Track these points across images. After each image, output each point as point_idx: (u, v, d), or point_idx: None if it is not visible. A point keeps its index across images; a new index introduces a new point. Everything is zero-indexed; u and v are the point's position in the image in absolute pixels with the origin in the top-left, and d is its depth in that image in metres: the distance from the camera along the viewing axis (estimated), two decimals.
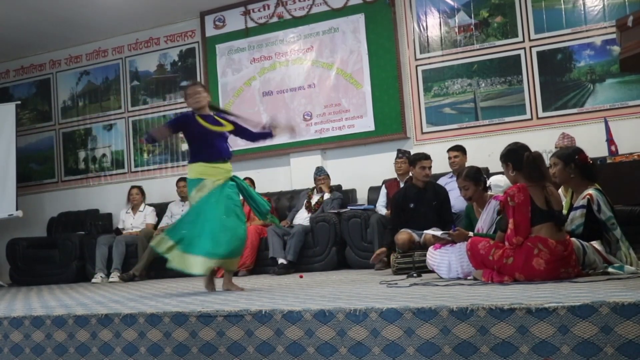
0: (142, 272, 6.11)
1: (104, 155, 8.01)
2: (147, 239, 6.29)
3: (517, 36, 6.15)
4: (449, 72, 6.40)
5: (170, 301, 3.05)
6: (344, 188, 6.48)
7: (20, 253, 7.01)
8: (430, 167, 4.98)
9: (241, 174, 6.49)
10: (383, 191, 5.85)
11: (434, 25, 6.50)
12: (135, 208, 6.94)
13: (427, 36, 6.51)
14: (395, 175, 5.87)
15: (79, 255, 6.73)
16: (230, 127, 3.84)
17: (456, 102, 6.36)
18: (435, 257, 3.77)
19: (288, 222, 6.18)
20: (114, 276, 6.13)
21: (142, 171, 7.74)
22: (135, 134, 7.83)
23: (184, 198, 6.76)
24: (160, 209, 6.97)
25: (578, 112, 5.89)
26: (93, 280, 6.23)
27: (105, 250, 6.39)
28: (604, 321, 1.83)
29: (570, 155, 3.35)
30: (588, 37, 5.90)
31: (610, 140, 4.87)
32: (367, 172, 6.52)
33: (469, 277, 3.45)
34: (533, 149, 3.23)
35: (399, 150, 5.86)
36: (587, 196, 3.20)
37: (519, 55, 6.14)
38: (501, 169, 3.49)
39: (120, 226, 6.92)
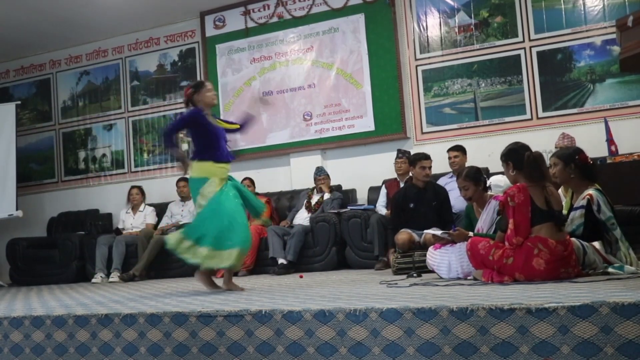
0: (142, 272, 6.11)
1: (104, 155, 8.01)
2: (147, 239, 6.29)
3: (517, 36, 6.15)
4: (449, 72, 6.40)
5: (170, 301, 3.05)
6: (344, 188, 6.48)
7: (20, 253, 7.01)
8: (430, 167, 4.99)
9: (241, 174, 6.53)
10: (383, 191, 5.85)
11: (434, 25, 6.50)
12: (135, 208, 6.94)
13: (427, 36, 6.51)
14: (395, 175, 5.87)
15: (79, 255, 6.73)
16: (237, 126, 3.89)
17: (456, 102, 6.36)
18: (435, 257, 3.77)
19: (288, 222, 6.18)
20: (114, 276, 6.12)
21: (142, 171, 7.74)
22: (135, 134, 7.83)
23: (184, 198, 6.76)
24: (160, 209, 6.97)
25: (578, 112, 5.89)
26: (93, 280, 6.23)
27: (105, 250, 6.39)
28: (604, 321, 1.83)
29: (570, 155, 3.35)
30: (588, 37, 5.89)
31: (610, 140, 4.87)
32: (367, 172, 6.52)
33: (469, 277, 3.45)
34: (533, 149, 3.23)
35: (399, 150, 5.86)
36: (587, 196, 3.20)
37: (519, 55, 6.14)
38: (501, 169, 3.49)
39: (120, 226, 6.92)
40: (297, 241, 5.62)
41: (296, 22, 6.99)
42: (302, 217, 6.08)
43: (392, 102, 6.51)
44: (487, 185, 4.07)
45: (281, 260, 5.58)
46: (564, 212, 3.30)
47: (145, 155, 7.77)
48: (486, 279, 3.12)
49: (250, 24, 7.19)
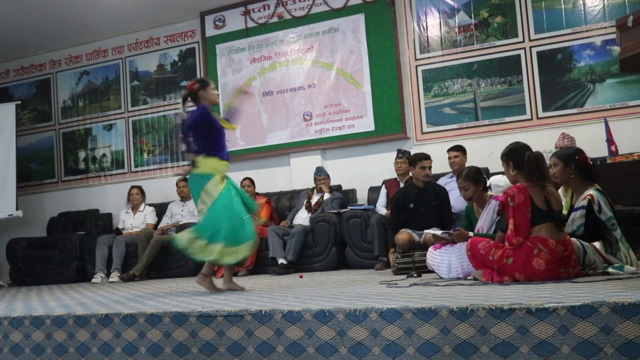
0: (142, 272, 6.11)
1: (104, 155, 8.01)
2: (147, 239, 6.29)
3: (517, 36, 6.15)
4: (449, 72, 6.40)
5: (170, 301, 3.05)
6: (344, 188, 6.48)
7: (20, 253, 7.01)
8: (430, 167, 4.99)
9: (241, 174, 6.53)
10: (383, 191, 5.85)
11: (434, 25, 6.50)
12: (135, 208, 6.94)
13: (427, 36, 6.51)
14: (395, 175, 5.87)
15: (79, 255, 6.72)
16: (236, 127, 3.95)
17: (456, 102, 6.36)
18: (435, 257, 3.77)
19: (288, 222, 6.18)
20: (114, 276, 6.12)
21: (142, 171, 7.74)
22: (135, 134, 7.83)
23: (184, 198, 6.76)
24: (160, 209, 6.97)
25: (578, 112, 5.89)
26: (93, 280, 6.23)
27: (105, 250, 6.39)
28: (604, 321, 1.83)
29: (570, 155, 3.35)
30: (588, 37, 5.90)
31: (610, 140, 4.87)
32: (367, 172, 6.52)
33: (469, 277, 3.45)
34: (533, 149, 3.23)
35: (399, 150, 5.86)
36: (588, 197, 3.20)
37: (519, 55, 6.14)
38: (501, 169, 3.49)
39: (120, 226, 6.92)
40: (297, 241, 5.62)
41: (296, 22, 6.99)
42: (302, 217, 6.08)
43: (392, 102, 6.51)
44: (487, 185, 4.07)
45: (281, 260, 5.58)
46: (564, 212, 3.30)
47: (145, 155, 7.77)
48: (486, 279, 3.12)
49: (250, 24, 7.19)
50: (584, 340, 1.84)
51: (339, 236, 5.67)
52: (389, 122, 6.50)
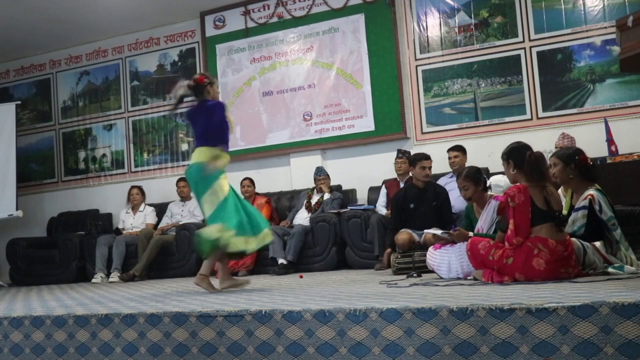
0: (142, 272, 6.11)
1: (104, 155, 8.01)
2: (147, 239, 6.29)
3: (517, 36, 6.15)
4: (449, 72, 6.40)
5: (170, 301, 3.05)
6: (344, 188, 6.48)
7: (20, 253, 7.01)
8: (430, 167, 4.99)
9: (241, 174, 6.53)
10: (383, 191, 5.85)
11: (434, 25, 6.50)
12: (135, 208, 6.94)
13: (427, 36, 6.51)
14: (395, 175, 5.87)
15: (79, 255, 6.72)
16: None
17: (456, 102, 6.36)
18: (435, 257, 3.77)
19: (288, 222, 6.18)
20: (114, 276, 6.12)
21: (142, 171, 7.74)
22: (135, 134, 7.83)
23: (184, 198, 6.76)
24: (160, 209, 6.97)
25: (578, 112, 5.89)
26: (93, 280, 6.23)
27: (105, 250, 6.39)
28: (604, 321, 1.83)
29: (570, 155, 3.35)
30: (588, 37, 5.89)
31: (610, 140, 4.86)
32: (367, 172, 6.52)
33: (469, 277, 3.45)
34: (533, 149, 3.23)
35: (399, 150, 5.86)
36: (589, 197, 3.20)
37: (519, 55, 6.14)
38: (501, 169, 3.49)
39: (120, 226, 6.92)
40: (297, 241, 5.62)
41: (296, 22, 6.99)
42: (302, 217, 6.08)
43: (392, 102, 6.51)
44: (487, 185, 4.07)
45: (281, 260, 5.58)
46: (564, 212, 3.30)
47: (145, 155, 7.77)
48: (486, 279, 3.12)
49: (250, 24, 7.19)
50: (584, 340, 1.84)
51: (339, 236, 5.67)
52: (389, 122, 6.50)
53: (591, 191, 3.23)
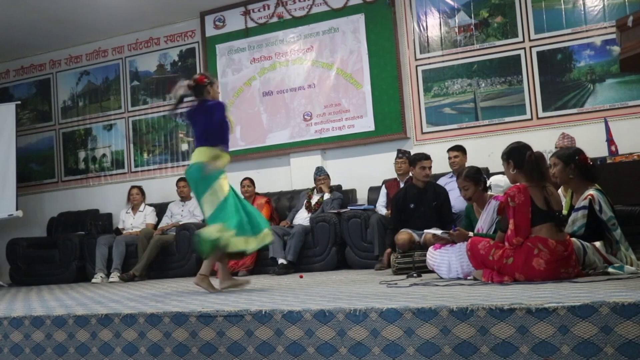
0: (142, 272, 6.11)
1: (104, 155, 8.01)
2: (147, 239, 6.29)
3: (517, 36, 6.15)
4: (449, 72, 6.40)
5: (170, 301, 3.05)
6: (344, 188, 6.47)
7: (20, 253, 7.01)
8: (430, 167, 4.99)
9: (241, 174, 6.53)
10: (383, 191, 5.85)
11: (434, 25, 6.50)
12: (135, 208, 6.94)
13: (427, 36, 6.51)
14: (395, 175, 5.87)
15: (79, 255, 6.72)
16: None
17: (456, 102, 6.36)
18: (435, 257, 3.77)
19: (288, 222, 6.18)
20: (114, 276, 6.12)
21: (142, 171, 7.74)
22: (135, 134, 7.83)
23: (184, 198, 6.76)
24: (160, 209, 6.97)
25: (578, 112, 5.89)
26: (93, 280, 6.23)
27: (105, 250, 6.39)
28: (604, 321, 1.83)
29: (570, 155, 3.35)
30: (588, 37, 5.89)
31: (610, 140, 4.86)
32: (367, 172, 6.51)
33: (469, 277, 3.45)
34: (533, 149, 3.23)
35: (399, 150, 5.86)
36: (589, 196, 3.20)
37: (519, 55, 6.14)
38: (501, 169, 3.49)
39: (120, 226, 6.92)
40: (297, 241, 5.62)
41: (296, 22, 6.99)
42: (302, 217, 6.08)
43: (392, 102, 6.51)
44: (487, 185, 4.07)
45: (281, 260, 5.58)
46: (564, 212, 3.30)
47: (145, 155, 7.77)
48: (486, 279, 3.12)
49: (250, 24, 7.19)
50: (584, 340, 1.84)
51: (339, 236, 5.67)
52: (389, 122, 6.50)
53: (591, 191, 3.23)
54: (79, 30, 7.67)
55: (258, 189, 6.56)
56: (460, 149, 5.70)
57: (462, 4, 6.39)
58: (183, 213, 6.69)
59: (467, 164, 5.30)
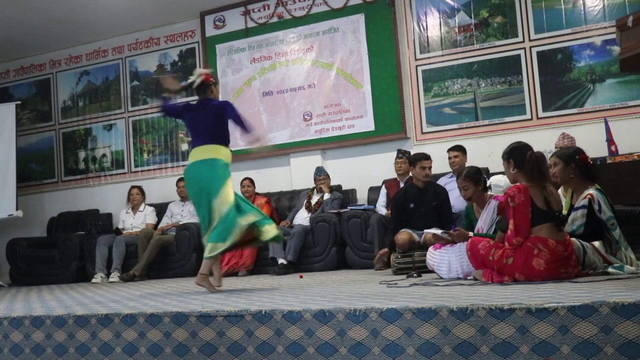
0: (142, 272, 6.11)
1: (104, 155, 8.01)
2: (147, 239, 6.29)
3: (517, 36, 6.15)
4: (449, 72, 6.40)
5: (170, 301, 3.05)
6: (344, 188, 6.48)
7: (20, 253, 7.01)
8: (430, 167, 4.99)
9: (241, 174, 6.53)
10: (383, 191, 5.85)
11: (434, 25, 6.50)
12: (135, 208, 6.94)
13: (427, 36, 6.51)
14: (395, 175, 5.87)
15: (79, 255, 6.72)
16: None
17: (456, 102, 6.36)
18: (435, 257, 3.77)
19: (288, 222, 6.18)
20: (114, 276, 6.12)
21: (142, 171, 7.74)
22: (135, 134, 7.83)
23: (183, 198, 6.76)
24: (160, 209, 6.97)
25: (578, 112, 5.89)
26: (93, 280, 6.23)
27: (105, 250, 6.39)
28: (604, 321, 1.83)
29: (571, 155, 3.35)
30: (588, 37, 5.89)
31: (610, 140, 4.86)
32: (367, 172, 6.52)
33: (469, 277, 3.45)
34: (534, 149, 3.23)
35: (399, 150, 5.86)
36: (588, 196, 3.20)
37: (519, 55, 6.14)
38: (501, 169, 3.49)
39: (120, 226, 6.92)
40: (297, 241, 5.62)
41: (296, 22, 6.99)
42: (302, 217, 6.08)
43: (392, 102, 6.51)
44: (487, 185, 4.07)
45: (281, 260, 5.58)
46: (564, 212, 3.30)
47: (145, 155, 7.77)
48: (486, 279, 3.12)
49: (250, 24, 7.19)
50: (584, 340, 1.84)
51: (339, 236, 5.67)
52: (389, 122, 6.50)
53: (591, 190, 3.23)
54: (79, 30, 7.67)
55: (258, 189, 6.56)
56: (460, 149, 5.70)
57: (462, 4, 6.39)
58: (183, 213, 6.69)
59: (467, 164, 5.30)
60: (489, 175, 4.81)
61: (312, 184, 6.35)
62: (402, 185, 5.54)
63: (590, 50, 5.90)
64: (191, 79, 3.87)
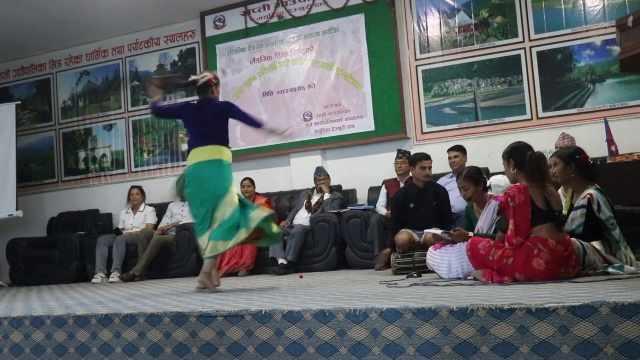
0: (142, 272, 6.11)
1: (104, 155, 8.01)
2: (147, 239, 6.29)
3: (517, 36, 6.15)
4: (449, 72, 6.40)
5: (170, 301, 3.05)
6: (344, 188, 6.48)
7: (20, 253, 7.00)
8: (430, 167, 4.99)
9: (241, 174, 6.53)
10: (383, 191, 5.85)
11: (434, 25, 6.50)
12: (135, 208, 6.94)
13: (427, 36, 6.51)
14: (395, 175, 5.87)
15: (79, 255, 6.72)
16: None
17: (456, 102, 6.36)
18: (435, 257, 3.77)
19: (288, 222, 6.18)
20: (114, 276, 6.12)
21: (142, 171, 7.74)
22: (135, 134, 7.83)
23: (183, 198, 6.75)
24: (160, 209, 6.97)
25: (578, 112, 5.89)
26: (93, 280, 6.23)
27: (105, 250, 6.39)
28: (604, 321, 1.83)
29: (571, 155, 3.35)
30: (588, 37, 5.90)
31: (610, 140, 4.87)
32: (367, 172, 6.52)
33: (469, 277, 3.45)
34: (534, 149, 3.22)
35: (399, 150, 5.86)
36: (588, 196, 3.20)
37: (519, 55, 6.14)
38: (501, 169, 3.49)
39: (120, 226, 6.92)
40: (297, 241, 5.62)
41: (296, 22, 6.99)
42: (302, 217, 6.08)
43: (392, 102, 6.51)
44: (487, 185, 4.07)
45: (281, 261, 5.58)
46: (564, 212, 3.30)
47: (145, 155, 7.77)
48: (486, 279, 3.12)
49: (250, 24, 7.19)
50: (584, 340, 1.84)
51: (339, 236, 5.67)
52: (389, 122, 6.50)
53: (590, 190, 3.23)
54: (79, 30, 7.67)
55: (258, 189, 6.56)
56: (460, 149, 5.70)
57: (462, 4, 6.39)
58: (183, 213, 6.69)
59: (467, 164, 5.30)
60: (489, 175, 4.81)
61: (312, 184, 6.35)
62: (402, 185, 5.54)
63: (590, 50, 5.90)
64: (194, 77, 3.87)
